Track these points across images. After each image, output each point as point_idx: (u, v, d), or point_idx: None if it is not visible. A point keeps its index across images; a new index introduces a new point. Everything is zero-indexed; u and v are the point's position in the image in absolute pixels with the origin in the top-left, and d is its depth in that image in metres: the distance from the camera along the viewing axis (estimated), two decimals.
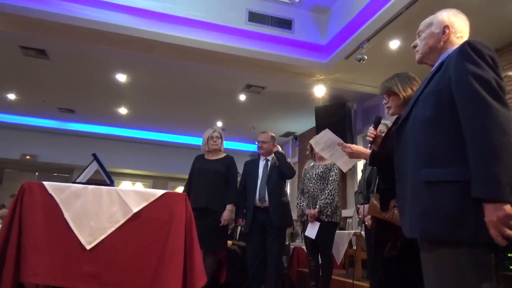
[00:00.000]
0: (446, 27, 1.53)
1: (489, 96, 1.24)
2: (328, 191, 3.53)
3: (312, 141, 2.68)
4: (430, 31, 1.56)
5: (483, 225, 1.20)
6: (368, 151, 2.11)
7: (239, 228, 4.72)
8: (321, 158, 3.70)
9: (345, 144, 2.25)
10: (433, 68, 1.54)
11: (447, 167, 1.31)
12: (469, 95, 1.27)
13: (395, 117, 2.12)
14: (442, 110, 1.36)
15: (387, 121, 2.74)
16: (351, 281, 3.92)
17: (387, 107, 2.09)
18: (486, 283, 1.22)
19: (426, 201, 1.35)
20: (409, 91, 1.98)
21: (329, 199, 3.51)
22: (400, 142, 1.56)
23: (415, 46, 1.64)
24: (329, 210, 3.51)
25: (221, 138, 3.75)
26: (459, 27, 1.54)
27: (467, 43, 1.36)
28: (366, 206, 2.93)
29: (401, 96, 1.99)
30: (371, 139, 2.13)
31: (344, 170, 2.62)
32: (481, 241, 1.22)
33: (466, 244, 1.24)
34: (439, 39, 1.53)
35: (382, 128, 2.48)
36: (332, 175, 3.59)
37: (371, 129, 2.17)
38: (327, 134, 2.46)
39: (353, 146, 2.24)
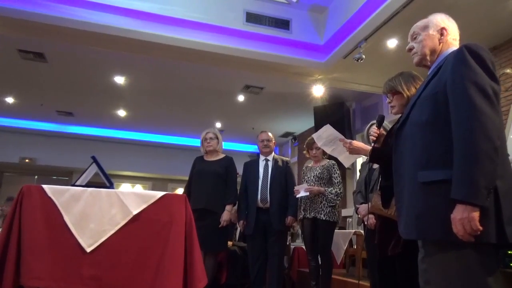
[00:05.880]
0: (443, 29, 1.55)
1: (482, 102, 1.25)
2: (336, 189, 3.54)
3: (314, 136, 2.69)
4: (428, 33, 1.56)
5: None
6: (368, 147, 2.10)
7: (238, 229, 4.71)
8: (318, 160, 3.70)
9: (345, 139, 2.25)
10: (430, 71, 1.55)
11: (442, 168, 1.31)
12: (461, 100, 1.28)
13: (396, 117, 2.11)
14: (438, 113, 1.37)
15: (386, 122, 2.74)
16: (352, 280, 3.92)
17: (391, 106, 2.06)
18: (492, 281, 1.24)
19: (421, 203, 1.35)
20: (413, 90, 1.95)
21: (337, 191, 3.54)
22: (398, 145, 1.57)
23: (411, 49, 1.63)
24: (332, 200, 3.50)
25: (217, 139, 3.71)
26: (453, 30, 1.57)
27: (464, 47, 1.36)
28: (365, 205, 2.94)
29: (405, 95, 1.97)
30: (375, 139, 2.12)
31: (346, 165, 2.62)
32: (482, 241, 1.22)
33: (469, 244, 1.23)
34: (438, 40, 1.55)
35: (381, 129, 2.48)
36: (336, 177, 3.59)
37: (374, 128, 2.16)
38: (328, 130, 2.47)
39: (354, 142, 2.23)
